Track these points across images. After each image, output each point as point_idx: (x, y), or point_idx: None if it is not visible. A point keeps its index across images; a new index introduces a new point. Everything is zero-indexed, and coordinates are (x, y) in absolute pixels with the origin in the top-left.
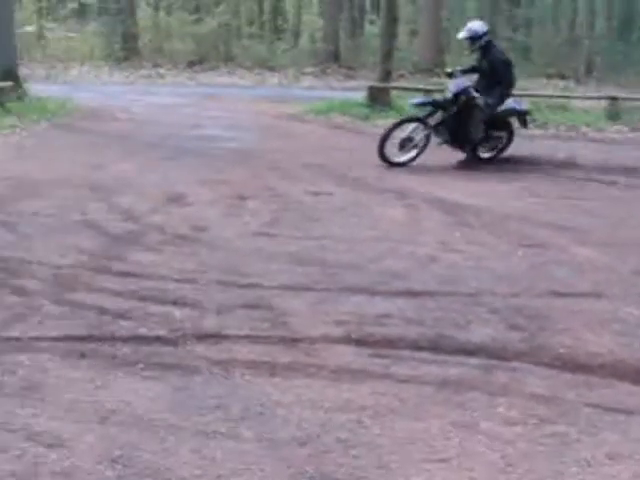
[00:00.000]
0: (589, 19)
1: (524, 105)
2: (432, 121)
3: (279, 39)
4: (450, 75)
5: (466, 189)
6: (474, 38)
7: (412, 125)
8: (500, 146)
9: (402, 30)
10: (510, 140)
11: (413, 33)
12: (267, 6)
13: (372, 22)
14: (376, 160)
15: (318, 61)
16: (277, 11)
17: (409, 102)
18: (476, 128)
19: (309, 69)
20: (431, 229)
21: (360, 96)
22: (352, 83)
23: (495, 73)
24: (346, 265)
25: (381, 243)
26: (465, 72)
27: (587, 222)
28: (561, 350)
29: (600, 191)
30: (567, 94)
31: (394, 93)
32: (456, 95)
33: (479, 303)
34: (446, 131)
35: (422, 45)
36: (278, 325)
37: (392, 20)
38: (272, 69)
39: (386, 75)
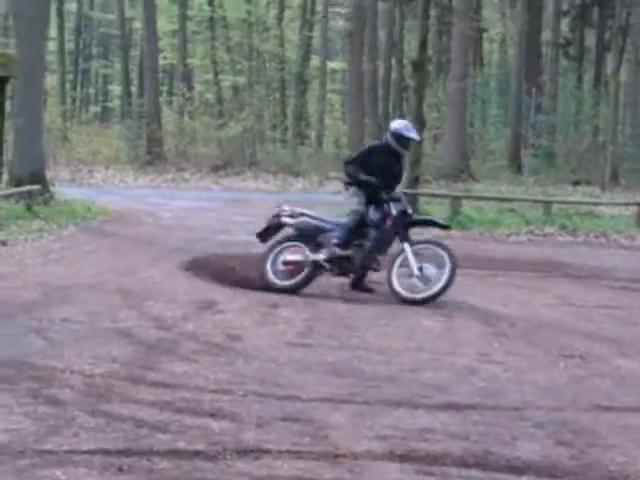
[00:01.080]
0: (613, 126)
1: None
2: None
3: (303, 144)
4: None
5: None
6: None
7: None
8: None
9: (426, 135)
10: None
11: (437, 139)
12: (290, 111)
13: None
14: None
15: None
16: (300, 116)
17: None
18: None
19: (334, 174)
20: (468, 339)
21: None
22: None
23: None
24: (384, 377)
25: (418, 354)
26: None
27: (626, 332)
28: (612, 468)
29: (636, 300)
30: (594, 200)
31: (422, 199)
32: None
33: (523, 417)
34: None
35: (446, 151)
36: (319, 439)
37: (420, 127)
38: (296, 174)
39: (414, 181)
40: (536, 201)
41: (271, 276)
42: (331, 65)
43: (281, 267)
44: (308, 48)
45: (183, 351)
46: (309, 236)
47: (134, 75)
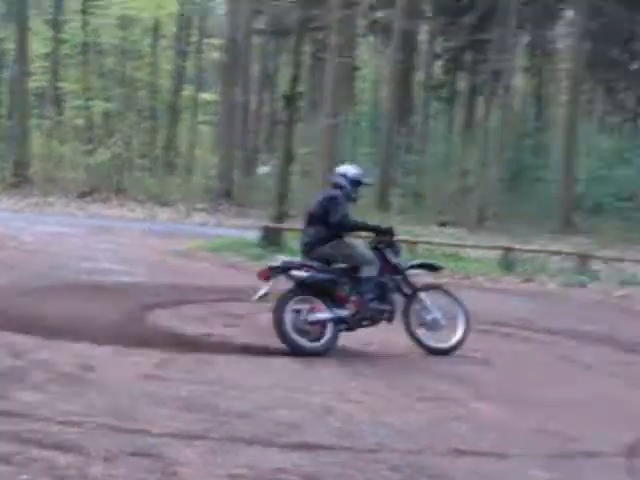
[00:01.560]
0: (481, 169)
1: None
2: None
3: (172, 173)
4: None
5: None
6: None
7: None
8: None
9: (296, 170)
10: None
11: (306, 174)
12: (161, 140)
13: (264, 162)
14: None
15: (210, 197)
16: (170, 145)
17: None
18: None
19: (201, 205)
20: (326, 378)
21: (252, 235)
22: (244, 221)
23: None
24: (238, 413)
25: (274, 391)
26: None
27: (485, 375)
28: None
29: (497, 343)
30: (460, 242)
31: (287, 234)
32: None
33: (378, 460)
34: None
35: (315, 186)
36: (168, 476)
37: (288, 161)
38: (164, 203)
39: (280, 216)
40: (402, 241)
41: (296, 337)
42: (204, 96)
43: (307, 327)
44: (181, 78)
45: (34, 380)
46: (322, 290)
47: (3, 97)
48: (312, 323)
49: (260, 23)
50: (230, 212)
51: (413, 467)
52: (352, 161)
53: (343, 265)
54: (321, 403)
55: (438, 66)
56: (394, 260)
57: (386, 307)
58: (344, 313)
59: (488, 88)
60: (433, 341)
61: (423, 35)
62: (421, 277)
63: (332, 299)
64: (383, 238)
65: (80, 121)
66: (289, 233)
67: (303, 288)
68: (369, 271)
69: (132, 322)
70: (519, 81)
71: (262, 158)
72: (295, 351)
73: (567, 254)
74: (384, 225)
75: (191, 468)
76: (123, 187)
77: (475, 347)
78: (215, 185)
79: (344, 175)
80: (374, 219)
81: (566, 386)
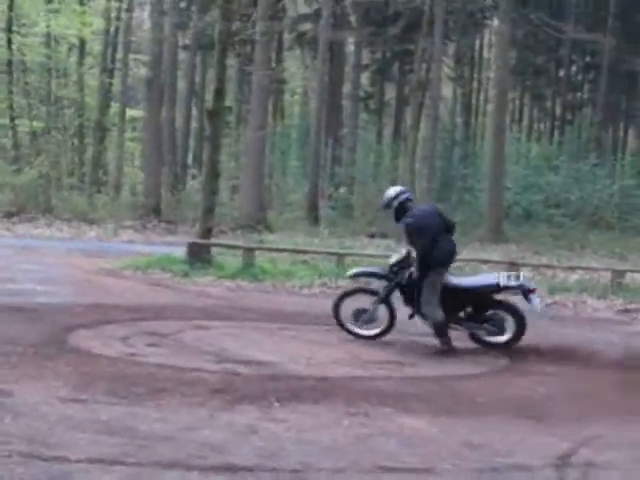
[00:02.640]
0: (410, 180)
1: (516, 280)
2: (382, 293)
3: (99, 191)
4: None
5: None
6: (386, 206)
7: (365, 296)
8: (502, 328)
9: (224, 186)
10: (520, 323)
11: (235, 189)
12: (88, 158)
13: (194, 177)
14: (190, 319)
15: (138, 215)
16: (98, 163)
17: (347, 274)
18: (427, 302)
19: (129, 222)
20: (250, 397)
21: (181, 251)
22: (173, 238)
23: (408, 239)
24: (159, 436)
25: (196, 411)
26: None
27: (416, 388)
28: None
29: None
30: (390, 253)
31: (215, 250)
32: (392, 266)
33: None
34: (410, 303)
35: (243, 201)
36: None
37: (214, 176)
38: (91, 222)
39: (207, 231)
40: (330, 253)
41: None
42: (131, 112)
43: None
44: (108, 95)
45: None
46: None
47: None
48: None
49: (185, 38)
50: (159, 229)
51: None
52: (282, 174)
53: None
54: (245, 423)
55: (365, 77)
56: None
57: None
58: None
59: (416, 98)
60: (354, 327)
61: (350, 46)
62: (276, 291)
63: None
64: None
65: (5, 140)
66: (216, 249)
67: None
68: None
69: (53, 344)
70: (446, 91)
71: (192, 173)
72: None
73: (497, 262)
74: None
75: None
76: (50, 206)
77: (402, 360)
78: (143, 202)
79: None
80: (304, 232)
81: None
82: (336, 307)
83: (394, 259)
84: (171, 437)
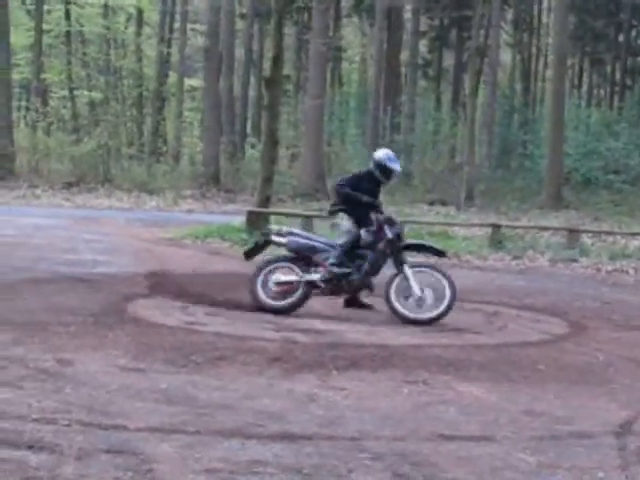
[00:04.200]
0: (470, 147)
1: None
2: None
3: (159, 161)
4: None
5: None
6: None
7: None
8: None
9: (283, 154)
10: None
11: (294, 157)
12: (147, 128)
13: (253, 146)
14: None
15: (198, 184)
16: (157, 133)
17: None
18: None
19: (188, 192)
20: (308, 366)
21: (240, 220)
22: (232, 206)
23: None
24: (218, 405)
25: (256, 379)
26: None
27: (469, 355)
28: None
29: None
30: (449, 221)
31: (274, 218)
32: None
33: (361, 448)
34: None
35: (302, 170)
36: (142, 474)
37: (273, 145)
38: (151, 191)
39: (265, 200)
40: None
41: (263, 297)
42: (189, 82)
43: (274, 287)
44: (166, 65)
45: (8, 377)
46: (302, 256)
47: None
48: (279, 284)
49: (242, 6)
50: (218, 198)
51: (396, 454)
52: (341, 142)
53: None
54: (304, 391)
55: (423, 44)
56: (389, 235)
57: (354, 275)
58: (313, 277)
59: (474, 65)
60: (408, 311)
61: (407, 13)
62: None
63: (308, 264)
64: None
65: (65, 111)
66: (274, 217)
67: (288, 254)
68: (341, 239)
69: (112, 313)
70: (505, 57)
71: (251, 142)
72: (259, 308)
73: (557, 229)
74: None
75: (167, 464)
76: (109, 176)
77: (464, 326)
78: (202, 171)
79: (372, 158)
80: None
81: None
82: None
83: None
84: (230, 406)
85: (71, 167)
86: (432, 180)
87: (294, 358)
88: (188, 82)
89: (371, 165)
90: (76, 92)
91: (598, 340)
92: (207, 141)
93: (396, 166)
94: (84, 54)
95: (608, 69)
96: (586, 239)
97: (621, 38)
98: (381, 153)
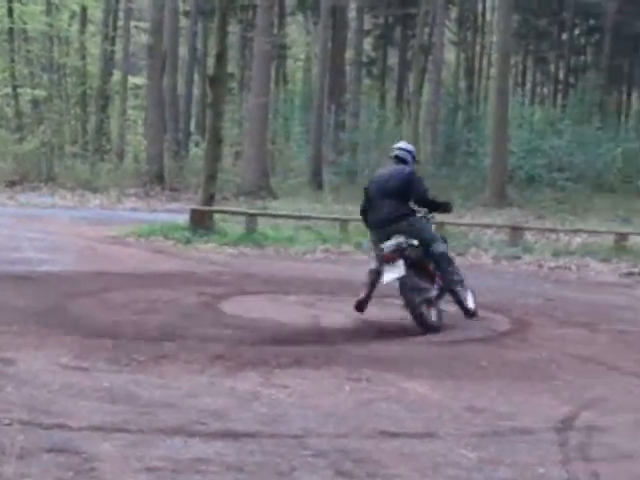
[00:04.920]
0: (413, 144)
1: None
2: None
3: (102, 160)
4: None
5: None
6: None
7: None
8: None
9: (227, 152)
10: None
11: (238, 155)
12: (91, 126)
13: (197, 144)
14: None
15: (141, 182)
16: (101, 131)
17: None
18: None
19: (132, 190)
20: (252, 363)
21: (184, 218)
22: (176, 205)
23: None
24: (161, 403)
25: (199, 377)
26: None
27: (414, 351)
28: None
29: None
30: None
31: (217, 216)
32: None
33: (304, 446)
34: None
35: (246, 168)
36: (85, 473)
37: (216, 143)
38: (95, 190)
39: (209, 198)
40: (333, 219)
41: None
42: (133, 80)
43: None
44: (110, 62)
45: None
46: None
47: None
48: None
49: (186, 4)
50: (162, 196)
51: (339, 452)
52: (286, 140)
53: (415, 242)
54: (247, 389)
55: (368, 42)
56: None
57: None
58: (434, 292)
59: (418, 63)
60: None
61: (352, 12)
62: (279, 257)
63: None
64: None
65: (8, 109)
66: (218, 215)
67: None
68: (440, 247)
69: (55, 312)
70: (449, 55)
71: (195, 140)
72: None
73: (500, 227)
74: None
75: (109, 463)
76: (53, 175)
77: (406, 322)
78: (146, 170)
79: (410, 151)
80: (307, 198)
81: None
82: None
83: None
84: (172, 404)
85: (14, 165)
86: None
87: (237, 356)
88: (132, 80)
89: (408, 158)
90: (19, 90)
91: (541, 337)
92: (151, 139)
93: None
94: (27, 52)
95: (552, 67)
96: (529, 236)
97: (564, 37)
98: (408, 146)
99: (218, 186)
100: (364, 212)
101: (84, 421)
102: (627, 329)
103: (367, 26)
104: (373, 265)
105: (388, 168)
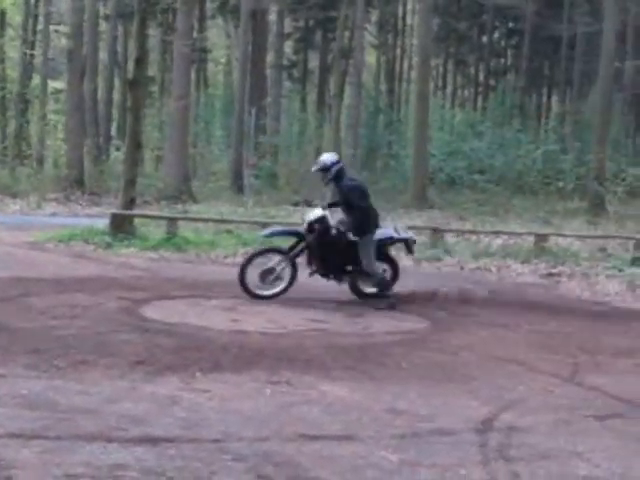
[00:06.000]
0: (335, 147)
1: (404, 233)
2: (293, 252)
3: (22, 164)
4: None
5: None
6: (324, 170)
7: (275, 256)
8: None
9: (148, 156)
10: (396, 274)
11: (159, 159)
12: (10, 131)
13: (118, 148)
14: (110, 293)
15: (62, 187)
16: (20, 136)
17: (261, 234)
18: (369, 261)
19: (53, 195)
20: (170, 366)
21: (104, 223)
22: (97, 209)
23: (348, 201)
24: (80, 409)
25: (119, 382)
26: (332, 205)
27: (333, 355)
28: None
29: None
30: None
31: (138, 221)
32: (311, 224)
33: (224, 450)
34: (313, 261)
35: (167, 172)
36: None
37: (136, 147)
38: (14, 195)
39: (129, 202)
40: (254, 222)
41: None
42: (53, 84)
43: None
44: (29, 67)
45: None
46: None
47: None
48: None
49: (106, 8)
50: (82, 201)
51: (259, 455)
52: (207, 144)
53: None
54: (167, 394)
55: (289, 46)
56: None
57: None
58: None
59: (339, 66)
60: (257, 289)
61: (272, 15)
62: (199, 261)
63: None
64: None
65: None
66: (139, 220)
67: None
68: None
69: None
70: (370, 58)
71: (116, 144)
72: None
73: (421, 229)
74: None
75: (27, 470)
76: None
77: (324, 327)
78: (66, 174)
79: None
80: (228, 202)
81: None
82: (243, 271)
83: (312, 217)
84: (92, 410)
85: None
86: (298, 181)
87: (157, 360)
88: (52, 84)
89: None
90: None
91: (461, 338)
92: (71, 144)
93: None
94: None
95: (472, 70)
96: (450, 238)
97: (484, 39)
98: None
99: (139, 190)
100: None
101: (1, 428)
102: (547, 330)
103: (288, 29)
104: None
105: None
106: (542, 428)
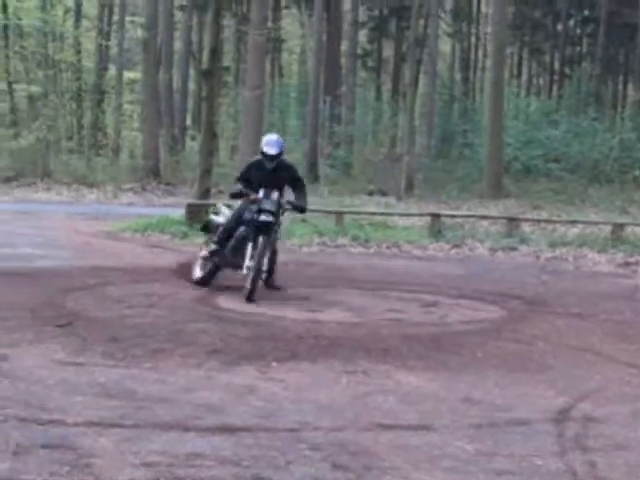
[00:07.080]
0: (410, 136)
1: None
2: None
3: (98, 155)
4: None
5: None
6: (280, 154)
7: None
8: None
9: (224, 146)
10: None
11: (235, 149)
12: (86, 121)
13: (193, 138)
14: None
15: (138, 177)
16: (96, 126)
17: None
18: None
19: (129, 185)
20: (247, 357)
21: (180, 213)
22: (172, 199)
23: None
24: (156, 398)
25: (195, 372)
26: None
27: (412, 347)
28: None
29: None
30: (389, 211)
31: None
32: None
33: (300, 439)
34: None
35: (242, 161)
36: (80, 468)
37: (211, 137)
38: (91, 185)
39: (205, 192)
40: (329, 212)
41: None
42: (128, 75)
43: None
44: (105, 57)
45: None
46: None
47: None
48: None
49: None
50: (158, 191)
51: (335, 445)
52: (281, 133)
53: None
54: (242, 383)
55: (363, 35)
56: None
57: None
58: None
59: (413, 55)
60: None
61: (347, 4)
62: None
63: None
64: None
65: (3, 105)
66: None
67: None
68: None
69: (50, 307)
70: (445, 47)
71: (191, 134)
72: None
73: (496, 218)
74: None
75: (105, 458)
76: (49, 170)
77: (401, 316)
78: (142, 164)
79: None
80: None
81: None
82: None
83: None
84: (168, 399)
85: (10, 161)
86: (372, 170)
87: (233, 350)
88: (127, 75)
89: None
90: (14, 86)
91: (537, 327)
92: (146, 134)
93: (268, 149)
94: (22, 48)
95: (547, 58)
96: (526, 228)
97: (559, 27)
98: (263, 139)
99: (214, 180)
100: None
101: (79, 417)
102: (624, 319)
103: (362, 18)
104: None
105: None
106: (619, 418)
